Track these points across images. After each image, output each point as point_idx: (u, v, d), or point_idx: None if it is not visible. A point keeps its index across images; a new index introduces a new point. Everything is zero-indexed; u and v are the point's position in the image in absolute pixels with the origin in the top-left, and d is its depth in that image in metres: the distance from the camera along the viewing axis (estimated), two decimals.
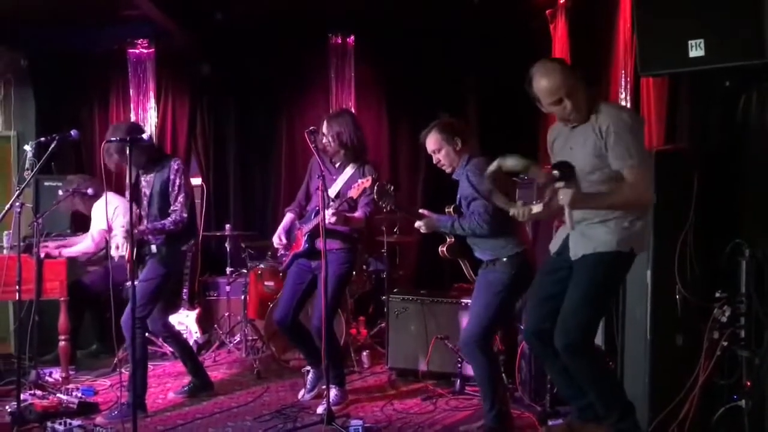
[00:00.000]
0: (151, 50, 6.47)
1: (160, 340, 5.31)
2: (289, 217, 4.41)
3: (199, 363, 4.64)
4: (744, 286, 3.28)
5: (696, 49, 3.17)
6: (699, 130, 3.66)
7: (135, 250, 3.93)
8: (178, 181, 4.10)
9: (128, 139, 3.68)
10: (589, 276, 3.10)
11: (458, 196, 3.77)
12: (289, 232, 4.37)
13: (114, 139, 3.90)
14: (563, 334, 3.09)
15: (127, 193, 4.02)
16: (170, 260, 4.16)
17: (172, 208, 4.10)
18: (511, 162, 3.08)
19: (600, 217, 3.08)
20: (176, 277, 4.39)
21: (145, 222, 4.14)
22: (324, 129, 4.17)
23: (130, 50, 6.45)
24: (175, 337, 4.51)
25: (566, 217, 2.94)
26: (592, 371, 3.14)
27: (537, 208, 3.01)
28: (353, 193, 3.90)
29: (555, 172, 2.92)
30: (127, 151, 3.59)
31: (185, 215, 4.09)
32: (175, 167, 4.12)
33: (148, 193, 4.15)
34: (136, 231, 4.00)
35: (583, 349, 3.11)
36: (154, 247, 4.12)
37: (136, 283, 3.91)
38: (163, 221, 4.08)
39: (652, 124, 3.95)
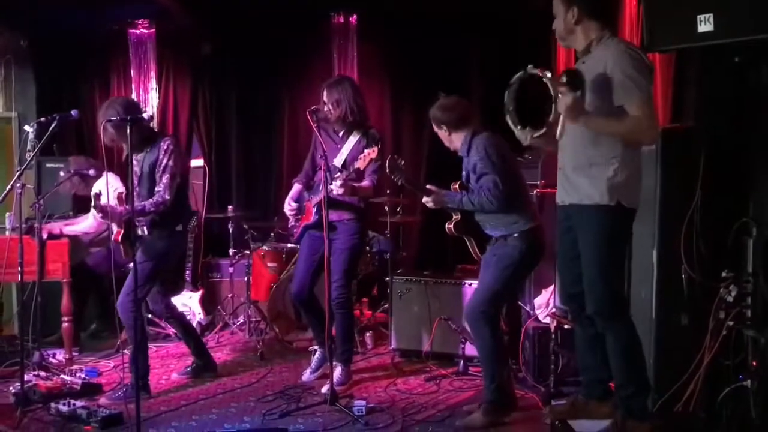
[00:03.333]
0: (151, 30, 6.40)
1: (164, 321, 5.31)
2: (296, 187, 4.40)
3: (203, 344, 4.64)
4: (751, 265, 3.26)
5: (705, 24, 3.11)
6: (707, 107, 3.61)
7: (127, 231, 3.90)
8: (165, 161, 4.00)
9: (128, 118, 3.64)
10: (590, 241, 3.13)
11: (464, 170, 3.74)
12: (298, 201, 4.36)
13: (114, 118, 3.87)
14: (592, 302, 3.15)
15: (130, 173, 3.98)
16: (160, 242, 4.08)
17: (156, 188, 4.00)
18: (539, 70, 3.08)
19: (586, 159, 3.08)
20: (172, 258, 4.30)
21: (136, 201, 4.09)
22: (324, 97, 4.13)
23: (131, 30, 6.38)
24: (177, 318, 4.49)
25: (559, 126, 2.99)
26: (625, 337, 3.15)
27: (540, 132, 3.10)
28: (360, 164, 3.89)
29: (563, 77, 2.94)
30: (128, 131, 3.54)
31: (167, 197, 3.97)
32: (164, 147, 4.02)
33: (138, 172, 4.06)
34: (120, 210, 3.95)
35: (618, 313, 3.16)
36: (145, 230, 4.07)
37: (132, 266, 3.89)
38: (143, 203, 3.97)
39: (659, 102, 3.90)
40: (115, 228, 4.09)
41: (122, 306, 4.00)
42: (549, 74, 3.01)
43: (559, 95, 2.93)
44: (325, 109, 4.12)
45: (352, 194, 4.04)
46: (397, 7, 6.15)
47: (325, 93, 4.14)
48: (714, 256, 3.37)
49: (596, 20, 3.10)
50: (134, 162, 4.09)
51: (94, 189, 5.15)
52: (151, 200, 3.98)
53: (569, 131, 3.11)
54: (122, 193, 4.16)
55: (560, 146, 3.25)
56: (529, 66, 3.10)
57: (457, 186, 3.76)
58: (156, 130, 5.15)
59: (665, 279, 3.44)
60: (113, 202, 4.56)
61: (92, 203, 4.00)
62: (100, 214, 4.01)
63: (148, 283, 4.09)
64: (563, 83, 2.92)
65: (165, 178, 4.00)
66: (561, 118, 2.97)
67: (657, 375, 3.40)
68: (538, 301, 4.36)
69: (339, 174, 3.95)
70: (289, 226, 4.50)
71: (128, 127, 3.53)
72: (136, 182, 4.10)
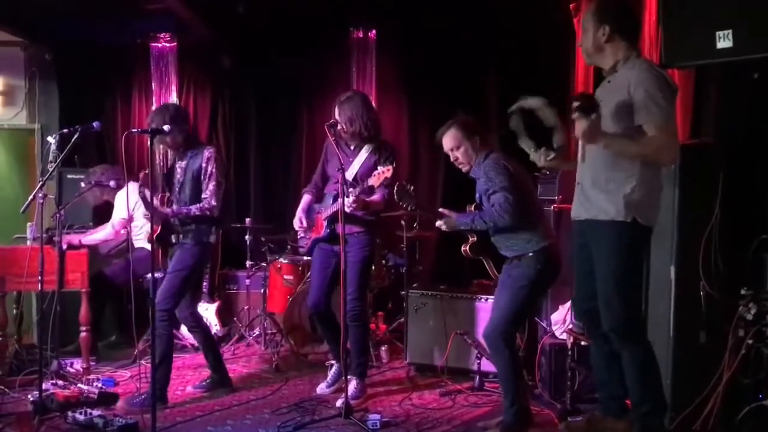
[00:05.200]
0: (173, 44, 6.49)
1: (181, 332, 5.34)
2: (306, 198, 4.42)
3: (221, 358, 4.61)
4: None
5: (724, 40, 3.12)
6: (725, 123, 3.60)
7: (164, 232, 3.96)
8: (209, 169, 4.12)
9: (149, 130, 3.71)
10: (604, 257, 3.13)
11: (477, 193, 3.74)
12: (308, 213, 4.38)
13: (136, 130, 3.97)
14: (608, 319, 3.14)
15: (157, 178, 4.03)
16: (198, 252, 4.16)
17: (203, 195, 4.11)
18: (530, 101, 3.20)
19: (605, 175, 3.09)
20: (202, 267, 4.39)
21: (174, 206, 4.16)
22: (336, 114, 4.16)
23: (153, 44, 6.47)
24: (202, 329, 4.47)
25: (579, 151, 3.02)
26: (641, 355, 3.13)
27: (553, 153, 3.19)
28: (373, 181, 3.89)
29: (575, 102, 2.95)
30: (148, 142, 3.60)
31: (215, 203, 4.10)
32: (207, 155, 4.14)
33: (180, 179, 4.18)
34: (167, 212, 4.04)
35: (633, 330, 3.14)
36: (182, 237, 4.12)
37: (160, 275, 3.91)
38: (189, 207, 4.09)
39: (678, 118, 3.89)
40: (145, 229, 4.12)
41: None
42: (539, 103, 3.09)
43: (575, 120, 2.94)
44: (338, 126, 4.15)
45: (363, 209, 4.06)
46: (415, 22, 6.19)
47: (337, 110, 4.17)
48: (733, 274, 3.34)
49: (626, 40, 3.11)
50: (177, 169, 4.16)
51: (118, 197, 5.22)
52: (198, 205, 4.09)
53: (588, 147, 3.13)
54: (164, 195, 4.24)
55: (579, 160, 3.26)
56: (521, 99, 3.21)
57: (472, 208, 3.75)
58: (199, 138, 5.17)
59: (683, 296, 3.41)
60: (137, 210, 4.63)
61: (113, 212, 4.06)
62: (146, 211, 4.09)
63: (179, 293, 4.14)
64: (575, 108, 2.93)
65: (211, 186, 4.11)
66: (580, 142, 2.99)
67: (675, 393, 3.37)
68: (555, 317, 4.33)
69: (352, 190, 3.95)
70: (298, 237, 4.52)
71: (150, 139, 3.60)
72: (177, 188, 4.20)
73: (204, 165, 4.13)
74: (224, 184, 4.23)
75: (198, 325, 4.46)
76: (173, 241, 4.15)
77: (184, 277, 4.13)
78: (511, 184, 3.53)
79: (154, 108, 4.41)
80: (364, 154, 4.18)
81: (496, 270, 3.81)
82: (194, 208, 4.08)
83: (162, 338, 4.03)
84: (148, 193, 3.92)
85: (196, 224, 4.13)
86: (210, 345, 4.51)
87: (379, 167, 3.92)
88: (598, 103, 3.00)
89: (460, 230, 3.77)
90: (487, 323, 3.74)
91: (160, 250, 4.23)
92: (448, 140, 3.73)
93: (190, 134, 4.20)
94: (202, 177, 4.13)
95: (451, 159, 3.77)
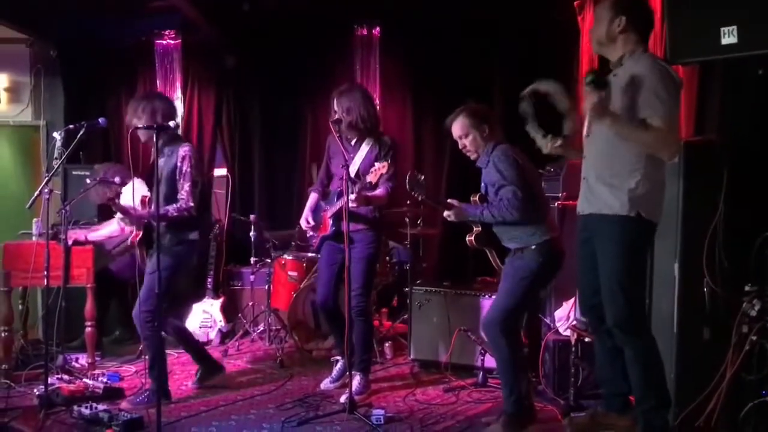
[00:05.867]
0: (178, 41, 6.49)
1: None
2: (313, 197, 4.44)
3: (201, 348, 4.54)
4: None
5: (728, 37, 3.12)
6: (729, 120, 3.59)
7: (146, 234, 3.92)
8: (184, 168, 4.01)
9: (155, 126, 3.70)
10: (608, 252, 3.13)
11: (483, 183, 3.74)
12: (315, 212, 4.40)
13: (141, 126, 3.94)
14: (611, 315, 3.14)
15: (156, 178, 4.01)
16: (175, 251, 4.04)
17: (178, 195, 4.01)
18: (545, 85, 3.25)
19: (609, 169, 3.11)
20: (185, 267, 4.25)
21: (152, 207, 4.11)
22: (335, 105, 4.16)
23: (158, 41, 6.48)
24: (172, 328, 4.37)
25: (585, 126, 3.03)
26: (644, 351, 3.14)
27: (560, 140, 3.24)
28: (372, 178, 3.89)
29: (588, 76, 2.97)
30: (154, 138, 3.59)
31: (191, 204, 3.98)
32: (182, 153, 4.03)
33: (159, 178, 4.08)
34: (143, 213, 3.99)
35: (637, 326, 3.15)
36: (160, 236, 4.07)
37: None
38: (166, 207, 3.96)
39: (682, 114, 3.89)
40: (133, 231, 4.12)
41: (137, 317, 4.02)
42: (554, 88, 3.12)
43: (586, 95, 2.97)
44: (336, 117, 4.15)
45: (366, 204, 4.07)
46: (420, 19, 6.19)
47: (335, 101, 4.17)
48: (737, 270, 3.34)
49: (638, 33, 3.12)
50: (159, 167, 4.13)
51: (123, 194, 5.23)
52: (174, 206, 3.99)
53: (595, 141, 3.14)
54: (145, 196, 4.19)
55: (585, 156, 3.27)
56: (536, 82, 3.23)
57: (476, 198, 3.76)
58: (180, 135, 5.10)
59: (687, 292, 3.41)
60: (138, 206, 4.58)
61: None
62: (121, 215, 4.03)
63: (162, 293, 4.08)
64: (588, 82, 2.95)
65: (186, 186, 4.01)
66: (588, 116, 3.00)
67: (678, 389, 3.37)
68: (559, 313, 4.34)
69: (353, 186, 3.96)
70: (307, 236, 4.53)
71: (155, 135, 3.58)
72: (156, 187, 4.12)
73: (179, 164, 4.02)
74: (200, 182, 4.12)
75: (170, 327, 4.35)
76: (153, 240, 4.08)
77: (164, 277, 3.95)
78: (520, 179, 3.53)
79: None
80: (364, 148, 4.18)
81: (499, 261, 3.82)
82: (171, 209, 3.96)
83: (149, 340, 4.00)
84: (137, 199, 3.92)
85: (176, 223, 4.01)
86: (186, 341, 4.44)
87: (376, 163, 3.94)
88: (609, 82, 3.01)
89: (467, 221, 3.78)
90: (485, 313, 3.75)
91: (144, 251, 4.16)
92: (457, 128, 3.73)
93: (173, 131, 4.10)
94: (177, 176, 4.02)
95: (459, 146, 3.78)
